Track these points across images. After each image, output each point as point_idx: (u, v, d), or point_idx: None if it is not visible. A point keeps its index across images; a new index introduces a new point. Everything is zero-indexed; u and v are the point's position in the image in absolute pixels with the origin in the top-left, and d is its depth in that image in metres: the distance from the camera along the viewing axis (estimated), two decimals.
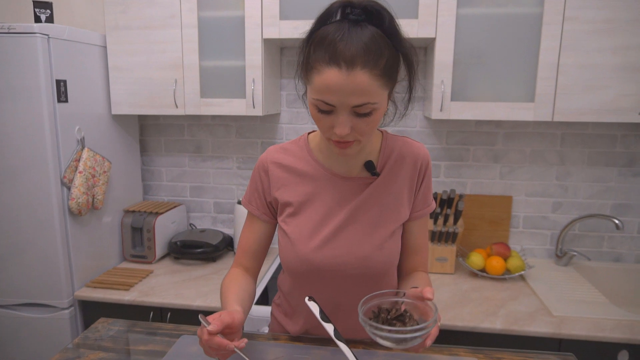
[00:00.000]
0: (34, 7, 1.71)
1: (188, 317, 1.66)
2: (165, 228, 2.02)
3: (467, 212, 2.03)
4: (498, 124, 2.00)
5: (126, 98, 1.87)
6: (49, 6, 1.73)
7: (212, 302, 1.63)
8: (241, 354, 0.81)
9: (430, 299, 0.80)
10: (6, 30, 1.52)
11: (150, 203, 2.13)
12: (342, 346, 0.82)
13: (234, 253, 2.10)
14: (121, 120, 1.99)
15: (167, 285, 1.76)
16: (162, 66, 1.82)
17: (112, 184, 1.93)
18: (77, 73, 1.70)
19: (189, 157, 2.23)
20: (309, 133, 1.07)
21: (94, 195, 1.74)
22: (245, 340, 0.80)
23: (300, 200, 1.00)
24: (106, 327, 1.14)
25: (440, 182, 2.08)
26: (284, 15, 1.72)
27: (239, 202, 1.99)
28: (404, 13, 1.65)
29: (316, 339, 1.07)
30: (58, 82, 1.60)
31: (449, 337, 1.53)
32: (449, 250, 1.88)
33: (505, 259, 1.85)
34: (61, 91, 1.62)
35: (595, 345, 1.46)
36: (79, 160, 1.68)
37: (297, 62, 0.88)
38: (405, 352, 0.82)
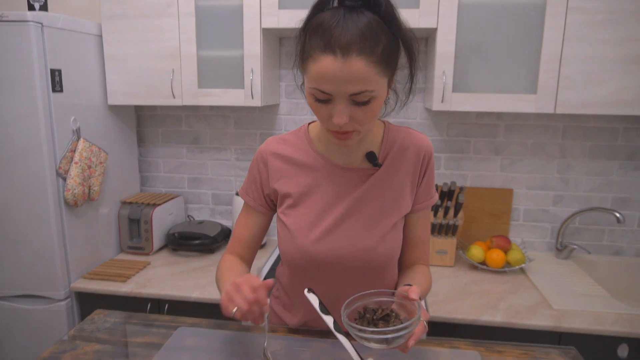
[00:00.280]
0: None
1: (186, 308, 1.64)
2: (162, 219, 2.00)
3: (468, 204, 2.02)
4: (499, 116, 1.98)
5: (122, 88, 1.84)
6: None
7: (210, 293, 1.61)
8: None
9: (414, 300, 0.78)
10: None
11: (147, 194, 2.11)
12: (342, 339, 0.80)
13: None
14: (118, 110, 1.96)
15: (165, 276, 1.75)
16: (159, 56, 1.79)
17: (109, 175, 1.90)
18: (72, 62, 1.67)
19: (186, 148, 2.20)
20: (309, 123, 1.05)
21: (90, 186, 1.72)
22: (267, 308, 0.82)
23: (300, 192, 0.98)
24: (102, 318, 1.12)
25: (441, 174, 2.06)
26: (282, 4, 1.69)
27: (237, 194, 1.97)
28: (405, 3, 1.62)
29: (315, 331, 1.06)
30: (53, 71, 1.57)
31: (448, 330, 1.52)
32: (449, 243, 1.87)
33: (506, 251, 1.84)
34: (56, 81, 1.59)
35: (595, 339, 1.45)
36: (74, 151, 1.66)
37: (295, 51, 0.86)
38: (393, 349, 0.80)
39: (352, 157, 0.98)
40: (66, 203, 1.65)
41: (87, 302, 1.72)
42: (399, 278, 1.06)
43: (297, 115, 2.10)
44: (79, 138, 1.68)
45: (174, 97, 1.81)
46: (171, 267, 1.85)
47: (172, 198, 2.09)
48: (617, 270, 1.92)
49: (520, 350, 1.03)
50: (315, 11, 0.81)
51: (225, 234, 2.06)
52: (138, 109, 2.20)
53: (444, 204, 1.86)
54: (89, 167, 1.70)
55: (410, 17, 1.62)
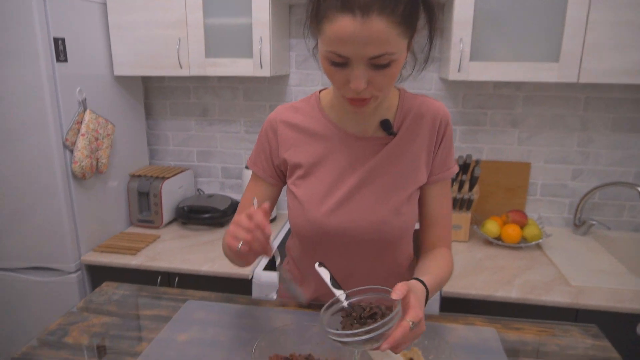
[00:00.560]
0: None
1: (195, 282, 1.63)
2: (172, 193, 1.98)
3: (483, 178, 1.96)
4: (518, 86, 1.90)
5: (128, 58, 1.79)
6: None
7: (219, 267, 1.60)
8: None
9: (395, 299, 0.68)
10: None
11: (156, 168, 2.09)
12: None
13: None
14: (124, 82, 1.92)
15: (174, 250, 1.74)
16: (165, 24, 1.73)
17: (117, 147, 1.88)
18: (76, 31, 1.62)
19: (195, 120, 2.16)
20: (320, 91, 1.00)
21: (97, 159, 1.70)
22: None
23: (311, 162, 0.94)
24: (111, 291, 1.11)
25: (456, 147, 2.00)
26: None
27: (247, 167, 1.94)
28: None
29: None
30: (56, 40, 1.53)
31: (462, 306, 1.49)
32: (463, 218, 1.82)
33: (522, 227, 1.79)
34: (60, 50, 1.54)
35: (613, 316, 1.41)
36: (81, 123, 1.63)
37: (306, 12, 0.80)
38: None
39: (365, 125, 0.93)
40: (74, 176, 1.63)
41: (98, 275, 1.72)
42: (418, 263, 1.00)
43: (307, 86, 2.04)
44: (85, 109, 1.65)
45: (181, 67, 1.75)
46: (181, 240, 1.84)
47: (181, 171, 2.06)
48: (637, 247, 1.87)
49: (539, 327, 0.99)
50: None
51: (234, 208, 2.04)
52: (145, 81, 2.15)
53: (459, 178, 1.81)
54: (96, 139, 1.67)
55: None
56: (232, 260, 0.93)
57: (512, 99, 1.92)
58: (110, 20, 1.76)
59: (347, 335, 0.66)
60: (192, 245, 1.78)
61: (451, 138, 0.96)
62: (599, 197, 1.95)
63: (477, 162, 1.83)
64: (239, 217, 0.78)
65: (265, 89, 2.07)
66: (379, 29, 0.70)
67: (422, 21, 0.80)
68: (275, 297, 1.41)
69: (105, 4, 1.76)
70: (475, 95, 1.94)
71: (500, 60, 1.59)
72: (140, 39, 1.76)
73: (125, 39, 1.77)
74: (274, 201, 1.03)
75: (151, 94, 2.17)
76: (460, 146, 2.00)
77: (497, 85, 1.91)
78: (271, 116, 0.99)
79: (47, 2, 1.48)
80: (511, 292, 1.46)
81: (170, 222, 2.01)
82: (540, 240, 1.75)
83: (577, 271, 1.58)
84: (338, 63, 0.76)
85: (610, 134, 1.89)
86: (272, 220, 2.06)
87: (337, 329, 0.71)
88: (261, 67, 1.70)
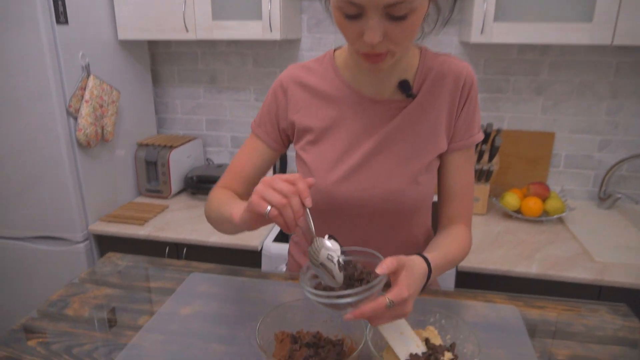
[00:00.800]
0: None
1: (203, 253, 1.60)
2: (180, 162, 1.93)
3: (504, 149, 1.87)
4: (544, 50, 1.78)
5: (132, 21, 1.71)
6: None
7: (228, 238, 1.56)
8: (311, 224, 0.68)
9: (379, 273, 0.62)
10: None
11: (164, 137, 2.04)
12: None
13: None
14: (129, 47, 1.85)
15: (183, 220, 1.70)
16: None
17: (123, 115, 1.82)
18: None
19: (203, 88, 2.09)
20: (335, 49, 0.91)
21: (103, 127, 1.65)
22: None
23: (323, 126, 0.87)
24: (114, 262, 1.07)
25: None
26: None
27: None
28: None
29: None
30: (55, 0, 1.45)
31: (479, 281, 1.44)
32: (482, 190, 1.74)
33: (544, 200, 1.70)
34: (59, 11, 1.47)
35: (639, 294, 1.34)
36: (84, 89, 1.57)
37: None
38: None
39: (382, 86, 0.85)
40: (79, 144, 1.58)
41: (106, 245, 1.70)
42: (434, 238, 0.92)
43: (320, 51, 1.94)
44: (88, 75, 1.59)
45: (187, 30, 1.67)
46: (189, 210, 1.80)
47: (189, 140, 2.01)
48: None
49: (564, 305, 0.93)
50: None
51: None
52: (152, 46, 2.07)
53: (479, 148, 1.72)
54: (101, 106, 1.62)
55: None
56: (217, 223, 0.87)
57: (537, 65, 1.80)
58: None
59: (318, 296, 0.62)
60: (200, 216, 1.74)
61: (476, 102, 0.87)
62: (627, 170, 1.85)
63: (498, 131, 1.73)
64: (273, 177, 0.66)
65: (275, 55, 1.98)
66: None
67: None
68: (284, 269, 1.37)
69: None
70: (497, 61, 1.82)
71: (526, 20, 1.47)
72: (144, 0, 1.67)
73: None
74: (268, 168, 0.97)
75: (158, 60, 2.09)
76: (481, 115, 1.89)
77: (522, 49, 1.79)
78: (282, 75, 0.91)
79: None
80: (531, 268, 1.39)
81: (179, 192, 1.97)
82: (563, 214, 1.67)
83: (602, 246, 1.50)
84: (351, 15, 0.68)
85: None
86: None
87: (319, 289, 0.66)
88: (271, 29, 1.61)
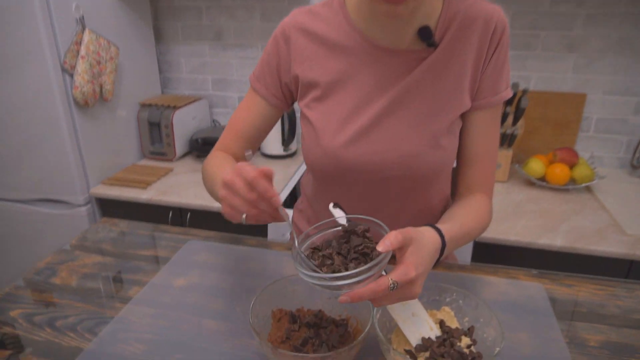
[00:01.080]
0: None
1: (208, 218, 1.54)
2: (185, 124, 1.84)
3: (529, 111, 1.73)
4: (580, 2, 1.60)
5: None
6: None
7: None
8: (289, 224, 0.59)
9: (379, 250, 0.52)
10: None
11: (168, 97, 1.94)
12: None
13: (259, 151, 1.94)
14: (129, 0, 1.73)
15: (187, 184, 1.63)
16: None
17: (124, 74, 1.73)
18: None
19: (209, 45, 1.97)
20: None
21: (101, 85, 1.56)
22: (289, 216, 0.60)
23: (330, 80, 0.76)
24: (107, 228, 1.01)
25: None
26: None
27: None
28: None
29: None
30: None
31: (499, 253, 1.35)
32: (503, 155, 1.62)
33: (571, 167, 1.58)
34: None
35: None
36: (80, 44, 1.47)
37: None
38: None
39: (400, 35, 0.73)
40: (76, 103, 1.50)
41: (109, 209, 1.64)
42: (450, 208, 0.82)
43: None
44: (84, 29, 1.49)
45: None
46: (194, 174, 1.73)
47: (194, 101, 1.91)
48: None
49: (595, 284, 0.84)
50: None
51: None
52: (153, 0, 1.95)
53: (502, 110, 1.59)
54: (98, 62, 1.52)
55: None
56: (211, 194, 0.80)
57: (571, 18, 1.63)
58: None
59: (310, 277, 0.53)
60: None
61: (507, 52, 0.75)
62: None
63: (525, 91, 1.59)
64: (231, 178, 0.57)
65: (284, 8, 1.84)
66: None
67: None
68: (289, 238, 1.29)
69: None
70: (526, 14, 1.66)
71: None
72: None
73: None
74: (270, 127, 0.87)
75: (161, 15, 1.97)
76: None
77: (555, 1, 1.62)
78: (284, 22, 0.80)
79: None
80: (555, 240, 1.29)
81: (183, 155, 1.90)
82: (592, 183, 1.55)
83: (634, 218, 1.39)
84: None
85: None
86: (292, 155, 1.92)
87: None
88: None
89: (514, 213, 1.44)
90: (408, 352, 0.61)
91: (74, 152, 1.53)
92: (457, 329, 0.64)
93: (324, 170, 0.79)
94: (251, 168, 0.56)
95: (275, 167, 1.79)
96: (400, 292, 0.55)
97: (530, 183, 1.64)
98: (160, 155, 1.83)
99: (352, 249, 0.57)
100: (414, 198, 0.80)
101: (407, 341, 0.63)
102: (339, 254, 0.57)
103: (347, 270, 0.53)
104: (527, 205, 1.49)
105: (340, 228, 0.62)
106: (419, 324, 0.63)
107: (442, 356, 0.59)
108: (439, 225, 0.65)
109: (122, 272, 0.85)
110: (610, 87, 1.68)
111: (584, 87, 1.70)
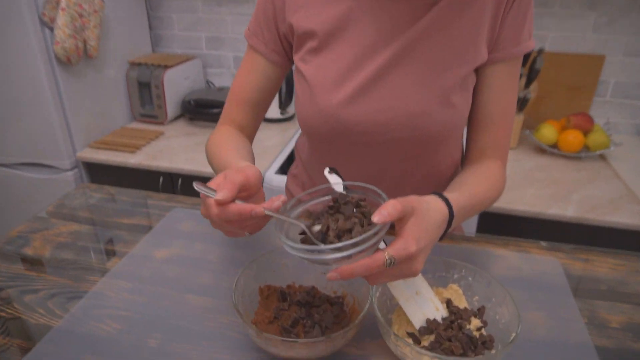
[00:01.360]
0: None
1: None
2: (176, 84, 1.74)
3: (542, 74, 1.62)
4: None
5: None
6: None
7: None
8: (280, 216, 0.51)
9: (375, 222, 0.45)
10: None
11: (159, 55, 1.83)
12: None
13: None
14: None
15: (178, 148, 1.55)
16: None
17: (111, 29, 1.61)
18: None
19: (202, 0, 1.84)
20: None
21: (85, 40, 1.45)
22: (282, 196, 0.52)
23: (328, 29, 0.67)
24: (87, 194, 0.93)
25: None
26: None
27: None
28: None
29: None
30: None
31: (507, 223, 1.28)
32: (514, 120, 1.53)
33: (585, 133, 1.49)
34: None
35: None
36: None
37: None
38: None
39: None
40: (57, 59, 1.40)
41: (97, 174, 1.57)
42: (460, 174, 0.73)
43: None
44: None
45: None
46: (186, 137, 1.64)
47: (186, 60, 1.80)
48: None
49: (615, 258, 0.77)
50: None
51: None
52: None
53: None
54: (81, 15, 1.41)
55: None
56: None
57: None
58: None
59: (296, 249, 0.47)
60: (198, 144, 1.59)
61: None
62: None
63: (540, 52, 1.48)
64: (208, 215, 0.51)
65: None
66: None
67: None
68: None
69: None
70: None
71: None
72: None
73: None
74: (275, 87, 0.78)
75: None
76: None
77: None
78: None
79: None
80: (567, 210, 1.22)
81: (176, 118, 1.81)
82: (606, 150, 1.46)
83: None
84: None
85: None
86: (290, 118, 1.83)
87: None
88: None
89: (523, 181, 1.36)
90: (411, 335, 0.54)
91: (58, 113, 1.44)
92: (465, 309, 0.57)
93: (319, 131, 0.71)
94: (213, 201, 0.49)
95: (272, 132, 1.70)
96: (399, 268, 0.48)
97: (540, 150, 1.55)
98: (151, 118, 1.74)
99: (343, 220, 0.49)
100: (420, 163, 0.72)
101: (409, 322, 0.56)
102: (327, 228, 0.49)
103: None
104: (536, 174, 1.41)
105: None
106: (423, 304, 0.56)
107: (449, 340, 0.52)
108: (446, 194, 0.58)
109: (100, 242, 0.78)
110: (632, 48, 1.57)
111: (603, 48, 1.59)
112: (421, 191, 0.59)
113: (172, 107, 1.73)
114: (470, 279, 0.60)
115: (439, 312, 0.57)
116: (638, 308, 0.66)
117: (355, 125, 0.67)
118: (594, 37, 1.58)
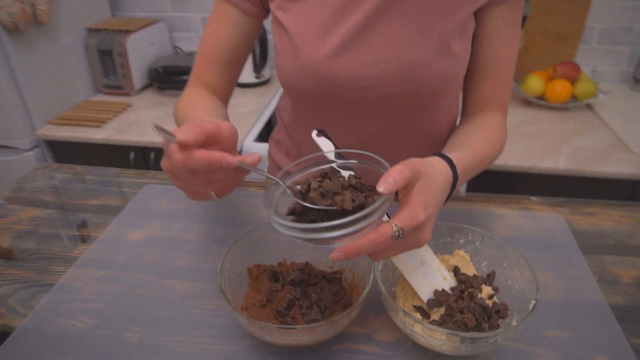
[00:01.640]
0: None
1: None
2: (141, 51, 1.61)
3: (527, 23, 1.55)
4: None
5: None
6: None
7: None
8: (255, 169, 0.43)
9: (381, 192, 0.39)
10: None
11: (120, 20, 1.69)
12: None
13: None
14: None
15: (148, 120, 1.45)
16: None
17: None
18: None
19: None
20: None
21: (33, 5, 1.31)
22: (257, 154, 0.44)
23: None
24: (47, 174, 0.84)
25: None
26: None
27: None
28: None
29: None
30: None
31: (498, 180, 1.24)
32: None
33: (572, 82, 1.45)
34: None
35: None
36: None
37: None
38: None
39: None
40: (3, 26, 1.26)
41: (62, 153, 1.46)
42: (454, 132, 0.67)
43: None
44: None
45: None
46: (156, 108, 1.53)
47: (150, 24, 1.67)
48: None
49: (620, 210, 0.73)
50: None
51: None
52: None
53: None
54: None
55: None
56: None
57: None
58: None
59: (290, 228, 0.40)
60: (169, 114, 1.48)
61: None
62: None
63: None
64: (168, 165, 0.43)
65: None
66: None
67: None
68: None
69: None
70: None
71: None
72: None
73: None
74: (250, 42, 0.69)
75: None
76: None
77: None
78: None
79: None
80: (558, 163, 1.19)
81: (144, 88, 1.68)
82: (593, 99, 1.42)
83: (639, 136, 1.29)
84: None
85: None
86: (266, 82, 1.73)
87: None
88: None
89: (513, 136, 1.31)
90: (418, 309, 0.50)
91: (10, 87, 1.31)
92: (475, 276, 0.52)
93: (303, 89, 0.63)
94: (174, 146, 0.40)
95: (247, 97, 1.61)
96: (405, 240, 0.42)
97: (527, 103, 1.50)
98: (116, 89, 1.62)
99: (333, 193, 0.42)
100: (417, 122, 0.66)
101: (415, 295, 0.51)
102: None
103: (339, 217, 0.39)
104: (525, 127, 1.37)
105: (332, 164, 0.48)
106: (429, 274, 0.51)
107: (462, 312, 0.48)
108: (448, 154, 0.52)
109: (65, 228, 0.71)
110: None
111: None
112: (417, 154, 0.53)
113: (138, 76, 1.61)
114: (477, 243, 0.55)
115: (446, 282, 0.52)
116: None
117: (343, 80, 0.60)
118: None
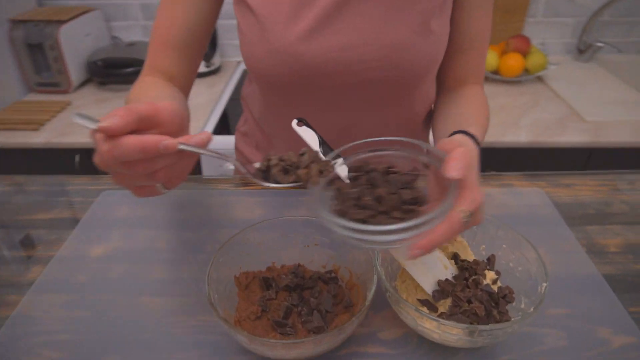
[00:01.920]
0: None
1: None
2: (77, 43, 1.48)
3: None
4: None
5: None
6: None
7: None
8: (201, 150, 0.39)
9: (453, 178, 0.38)
10: None
11: (48, 9, 1.53)
12: None
13: None
14: None
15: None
16: None
17: None
18: None
19: None
20: None
21: None
22: (207, 132, 0.39)
23: None
24: None
25: None
26: None
27: None
28: None
29: None
30: None
31: None
32: None
33: (525, 55, 1.47)
34: None
35: (636, 153, 1.21)
36: None
37: None
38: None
39: None
40: None
41: None
42: (442, 110, 0.65)
43: None
44: None
45: None
46: (99, 105, 1.41)
47: (84, 12, 1.52)
48: None
49: (595, 179, 0.74)
50: None
51: None
52: None
53: None
54: None
55: None
56: None
57: None
58: None
59: (354, 230, 0.36)
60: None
61: None
62: (610, 15, 1.62)
63: None
64: (99, 159, 0.36)
65: None
66: None
67: None
68: (232, 170, 1.09)
69: None
70: None
71: None
72: None
73: None
74: (209, 26, 0.62)
75: None
76: None
77: None
78: None
79: None
80: (520, 136, 1.21)
81: (83, 84, 1.54)
82: (543, 72, 1.46)
83: (591, 104, 1.33)
84: None
85: None
86: (217, 71, 1.64)
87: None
88: None
89: None
90: (424, 302, 0.47)
91: None
92: (476, 261, 0.50)
93: (274, 75, 0.58)
94: (104, 124, 0.33)
95: (198, 88, 1.52)
96: (467, 224, 0.40)
97: None
98: (51, 87, 1.47)
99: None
100: (396, 108, 0.62)
101: (418, 288, 0.48)
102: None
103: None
104: None
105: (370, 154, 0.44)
106: (430, 264, 0.49)
107: (469, 301, 0.45)
108: (469, 130, 0.50)
109: (12, 249, 0.62)
110: None
111: None
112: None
113: (75, 71, 1.47)
114: (475, 227, 0.53)
115: (448, 271, 0.49)
116: (630, 227, 0.64)
117: (318, 65, 0.55)
118: None
